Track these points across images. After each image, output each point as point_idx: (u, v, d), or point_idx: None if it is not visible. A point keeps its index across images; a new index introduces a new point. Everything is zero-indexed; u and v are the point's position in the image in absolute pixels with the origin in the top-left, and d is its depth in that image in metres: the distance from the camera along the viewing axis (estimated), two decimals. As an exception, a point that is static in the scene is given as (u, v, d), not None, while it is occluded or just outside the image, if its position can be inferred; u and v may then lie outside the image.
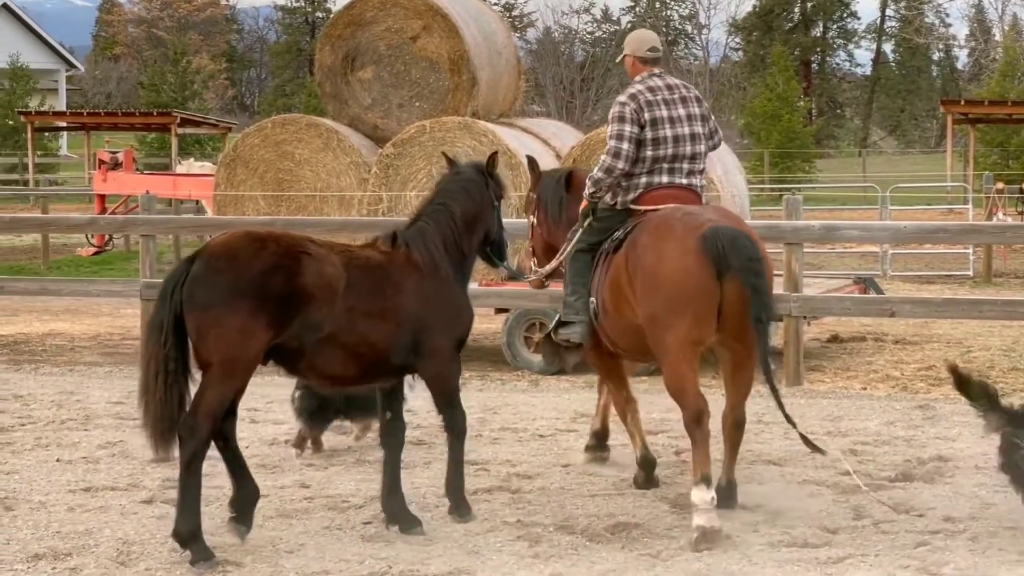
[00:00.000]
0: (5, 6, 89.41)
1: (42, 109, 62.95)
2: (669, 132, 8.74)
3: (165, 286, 7.58)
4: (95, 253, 26.30)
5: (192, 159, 30.03)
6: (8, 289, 16.00)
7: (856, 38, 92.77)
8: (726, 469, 8.64)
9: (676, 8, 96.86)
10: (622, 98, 8.81)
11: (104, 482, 9.39)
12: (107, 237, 25.33)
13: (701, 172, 8.93)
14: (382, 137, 18.48)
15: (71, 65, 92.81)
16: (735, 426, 8.63)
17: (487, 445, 10.55)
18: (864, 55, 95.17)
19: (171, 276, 7.62)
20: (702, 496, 7.79)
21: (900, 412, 11.82)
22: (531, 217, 9.77)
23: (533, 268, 9.81)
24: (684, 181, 8.81)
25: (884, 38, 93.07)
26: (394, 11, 18.76)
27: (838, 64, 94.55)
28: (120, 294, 16.29)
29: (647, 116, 8.72)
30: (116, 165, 24.96)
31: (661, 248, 8.12)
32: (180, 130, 53.08)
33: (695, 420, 7.97)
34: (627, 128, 8.70)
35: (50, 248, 30.93)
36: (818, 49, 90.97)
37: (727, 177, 17.25)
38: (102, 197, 25.02)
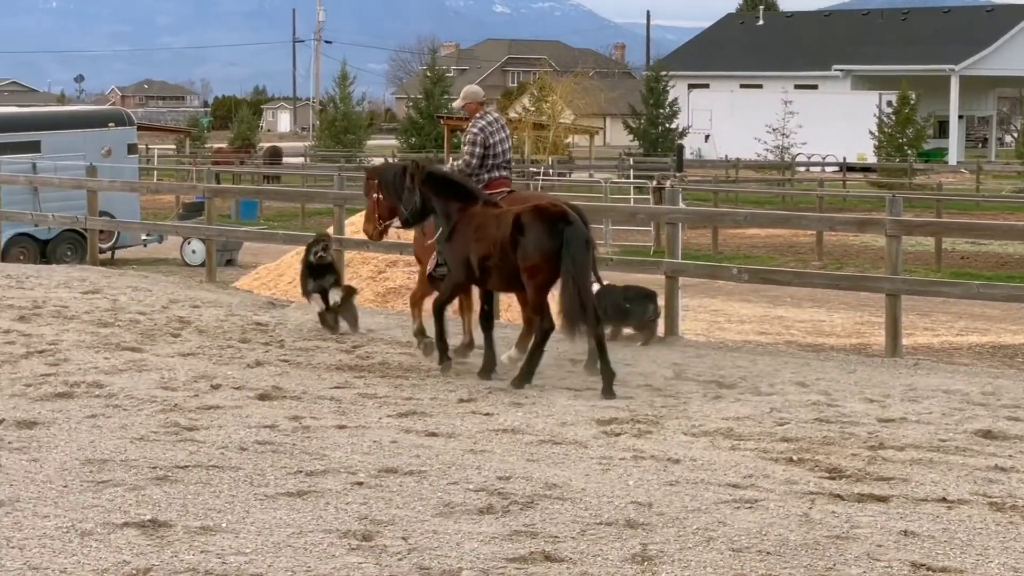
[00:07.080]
0: None
1: None
2: (500, 149, 14.64)
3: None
4: None
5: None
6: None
7: None
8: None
9: None
10: (476, 128, 14.58)
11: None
12: None
13: (508, 167, 14.95)
14: None
15: None
16: None
17: None
18: None
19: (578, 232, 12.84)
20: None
21: None
22: (375, 195, 14.69)
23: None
24: (504, 174, 14.77)
25: None
26: None
27: None
28: None
29: (490, 140, 14.55)
30: None
31: None
32: None
33: None
34: (478, 149, 14.49)
35: None
36: None
37: None
38: None
